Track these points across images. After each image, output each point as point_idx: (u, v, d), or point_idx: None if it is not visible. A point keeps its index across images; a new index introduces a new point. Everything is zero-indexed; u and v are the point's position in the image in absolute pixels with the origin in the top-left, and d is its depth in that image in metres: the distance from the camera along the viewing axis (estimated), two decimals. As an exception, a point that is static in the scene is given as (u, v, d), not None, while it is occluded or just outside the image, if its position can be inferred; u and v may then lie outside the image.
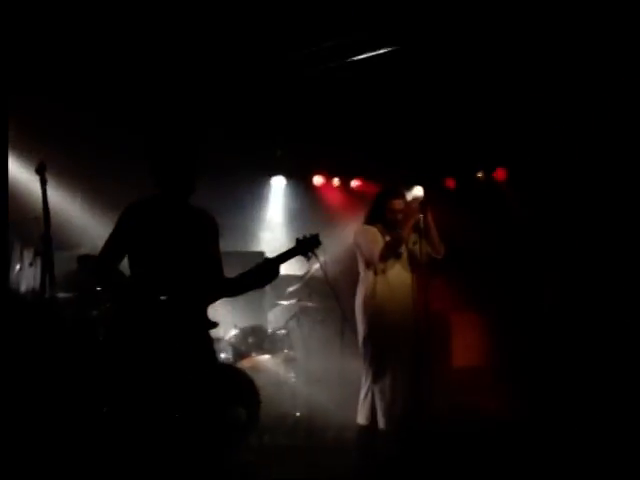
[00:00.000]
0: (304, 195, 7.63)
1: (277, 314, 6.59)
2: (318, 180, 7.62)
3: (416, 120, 6.43)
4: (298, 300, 6.18)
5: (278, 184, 7.68)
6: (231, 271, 3.32)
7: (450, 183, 7.61)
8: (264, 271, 3.23)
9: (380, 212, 4.65)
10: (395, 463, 4.24)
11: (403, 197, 4.70)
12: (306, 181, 7.62)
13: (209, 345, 3.27)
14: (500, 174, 7.22)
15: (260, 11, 4.75)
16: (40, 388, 3.95)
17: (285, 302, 6.33)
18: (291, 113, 6.31)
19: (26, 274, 4.90)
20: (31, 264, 4.46)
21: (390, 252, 4.52)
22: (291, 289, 6.27)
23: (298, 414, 5.58)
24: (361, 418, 4.50)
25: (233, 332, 5.78)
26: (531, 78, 5.51)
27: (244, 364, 5.42)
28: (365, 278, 4.63)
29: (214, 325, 3.25)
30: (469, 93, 5.90)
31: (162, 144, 3.25)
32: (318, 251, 3.34)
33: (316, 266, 5.49)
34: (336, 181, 7.69)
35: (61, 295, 4.69)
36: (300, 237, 3.32)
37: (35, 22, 4.70)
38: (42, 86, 5.31)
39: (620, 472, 4.07)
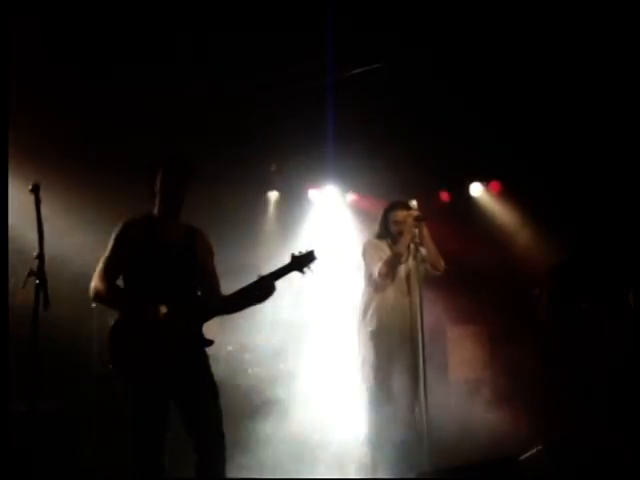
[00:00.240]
0: (299, 210, 7.60)
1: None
2: (314, 194, 7.61)
3: (411, 134, 6.43)
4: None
5: (273, 198, 7.65)
6: (226, 287, 3.31)
7: (444, 196, 7.60)
8: (260, 288, 3.22)
9: (386, 225, 4.57)
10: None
11: (407, 208, 4.56)
12: (301, 196, 7.61)
13: (205, 362, 3.26)
14: (495, 187, 7.23)
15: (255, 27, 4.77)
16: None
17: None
18: (288, 126, 6.30)
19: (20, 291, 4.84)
20: (24, 285, 4.40)
21: (388, 269, 4.38)
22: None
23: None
24: None
25: (229, 348, 5.73)
26: (526, 90, 5.52)
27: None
28: (364, 294, 4.57)
29: (210, 343, 3.23)
30: (464, 105, 5.91)
31: (157, 160, 3.26)
32: (313, 266, 3.33)
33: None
34: (332, 195, 7.67)
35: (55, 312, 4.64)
36: (296, 253, 3.31)
37: (35, 22, 4.67)
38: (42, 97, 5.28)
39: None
